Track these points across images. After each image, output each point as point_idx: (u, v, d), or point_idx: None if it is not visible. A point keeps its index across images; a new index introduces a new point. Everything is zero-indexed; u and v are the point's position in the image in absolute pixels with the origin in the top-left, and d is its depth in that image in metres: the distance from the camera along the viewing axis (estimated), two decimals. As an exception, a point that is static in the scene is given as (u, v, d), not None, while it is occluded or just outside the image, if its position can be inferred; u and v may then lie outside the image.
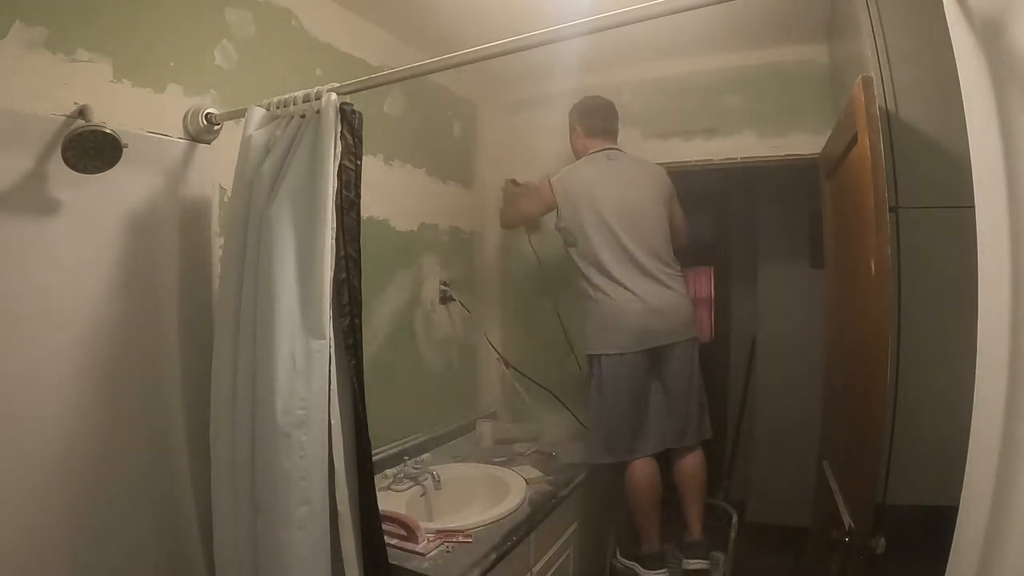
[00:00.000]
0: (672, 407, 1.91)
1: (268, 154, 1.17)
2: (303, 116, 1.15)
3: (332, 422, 1.08)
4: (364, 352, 1.15)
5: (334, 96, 1.10)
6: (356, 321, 1.13)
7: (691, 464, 1.92)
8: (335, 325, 1.09)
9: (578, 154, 2.05)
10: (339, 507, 1.09)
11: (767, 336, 3.32)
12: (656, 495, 1.87)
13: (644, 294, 1.86)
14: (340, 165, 1.10)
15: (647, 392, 1.90)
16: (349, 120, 1.11)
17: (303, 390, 1.07)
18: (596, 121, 2.03)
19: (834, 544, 1.30)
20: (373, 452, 1.17)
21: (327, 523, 1.09)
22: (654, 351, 1.87)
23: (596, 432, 1.92)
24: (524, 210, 2.15)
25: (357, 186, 1.13)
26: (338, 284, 1.10)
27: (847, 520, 1.29)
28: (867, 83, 1.23)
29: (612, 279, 1.87)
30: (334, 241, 1.08)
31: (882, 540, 1.18)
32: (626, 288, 1.86)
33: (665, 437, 1.90)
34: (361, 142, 1.13)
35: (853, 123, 1.30)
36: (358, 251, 1.14)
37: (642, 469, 1.86)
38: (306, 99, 1.14)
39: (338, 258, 1.09)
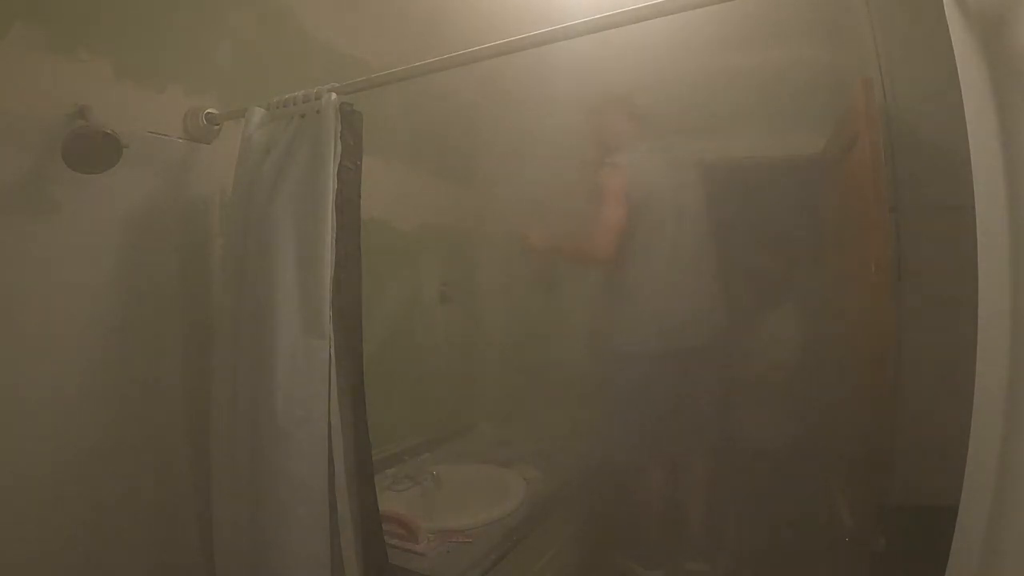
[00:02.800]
0: (686, 410, 1.86)
1: (268, 154, 1.17)
2: (303, 116, 1.15)
3: (332, 422, 1.08)
4: (364, 352, 1.15)
5: (334, 96, 1.10)
6: (356, 321, 1.13)
7: (695, 465, 1.91)
8: (335, 325, 1.09)
9: (613, 145, 1.95)
10: (339, 507, 1.09)
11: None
12: (659, 495, 1.86)
13: (676, 291, 1.82)
14: (340, 165, 1.10)
15: (662, 393, 1.85)
16: (349, 120, 1.12)
17: (303, 390, 1.07)
18: (643, 113, 1.97)
19: (834, 544, 1.30)
20: (373, 452, 1.17)
21: (327, 523, 1.09)
22: (677, 352, 1.80)
23: (604, 432, 1.90)
24: (611, 226, 1.76)
25: (357, 186, 1.13)
26: (338, 284, 1.10)
27: (847, 520, 1.29)
28: (867, 84, 1.23)
29: (644, 275, 1.82)
30: (334, 241, 1.08)
31: (882, 540, 1.18)
32: (657, 284, 1.81)
33: (674, 441, 1.88)
34: (361, 142, 1.13)
35: (853, 123, 1.30)
36: (358, 251, 1.14)
37: (647, 470, 1.85)
38: (306, 99, 1.14)
39: (338, 258, 1.09)
